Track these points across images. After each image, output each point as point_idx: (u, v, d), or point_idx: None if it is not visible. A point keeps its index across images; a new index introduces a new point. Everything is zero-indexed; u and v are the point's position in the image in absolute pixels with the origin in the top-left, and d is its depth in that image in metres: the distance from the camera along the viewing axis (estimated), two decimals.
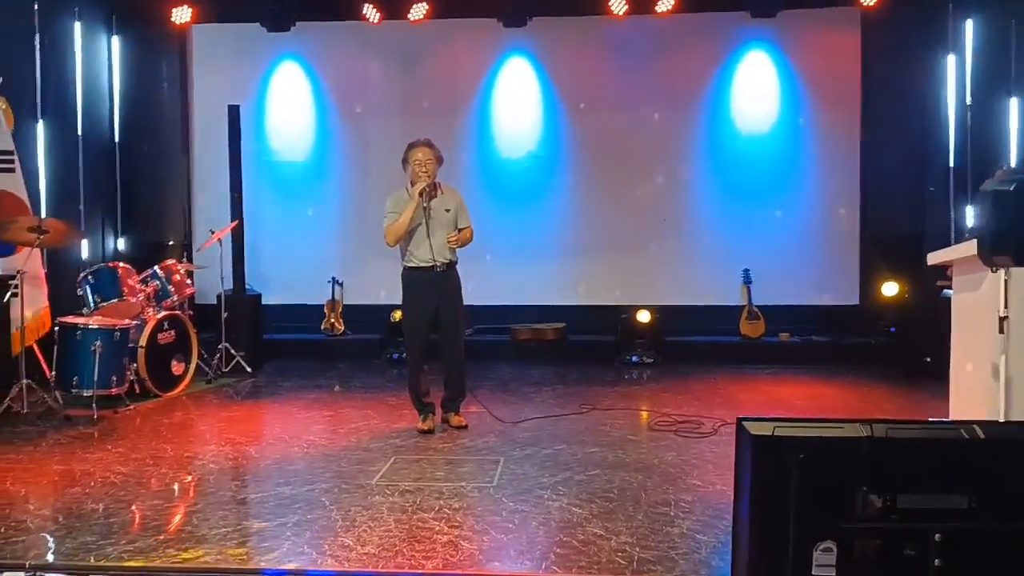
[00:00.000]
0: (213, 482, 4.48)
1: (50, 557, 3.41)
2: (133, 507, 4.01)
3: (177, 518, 3.89)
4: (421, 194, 5.25)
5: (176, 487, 4.36)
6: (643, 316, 8.02)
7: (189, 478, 4.53)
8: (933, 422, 2.68)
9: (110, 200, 8.38)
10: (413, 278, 5.42)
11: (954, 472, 2.41)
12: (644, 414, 6.00)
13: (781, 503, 2.39)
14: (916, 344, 7.07)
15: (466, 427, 5.48)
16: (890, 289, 7.74)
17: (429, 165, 5.31)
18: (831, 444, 2.40)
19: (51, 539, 3.61)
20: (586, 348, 8.22)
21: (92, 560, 3.38)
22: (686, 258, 8.50)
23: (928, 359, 6.68)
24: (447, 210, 5.40)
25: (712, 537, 3.53)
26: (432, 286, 5.36)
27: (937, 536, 2.37)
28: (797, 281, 8.34)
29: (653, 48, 8.43)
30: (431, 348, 5.52)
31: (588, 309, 8.48)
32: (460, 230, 5.45)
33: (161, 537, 3.62)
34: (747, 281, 8.27)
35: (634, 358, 7.89)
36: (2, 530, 3.71)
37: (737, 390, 6.73)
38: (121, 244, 8.44)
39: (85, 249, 7.81)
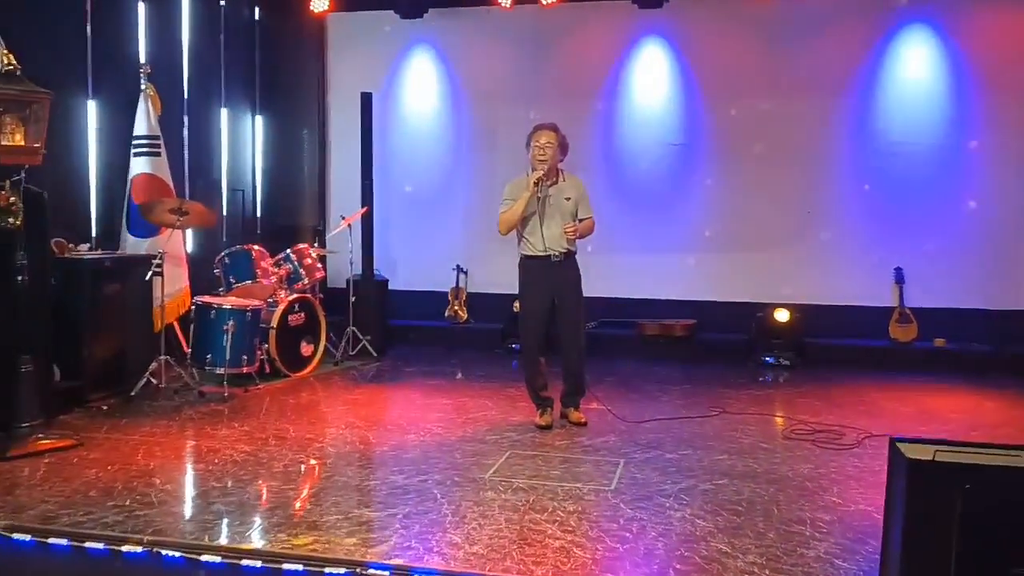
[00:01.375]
0: (330, 466, 4.48)
1: (167, 534, 3.45)
2: (250, 488, 4.05)
3: (290, 502, 3.89)
4: (536, 184, 5.07)
5: (293, 470, 4.37)
6: (781, 315, 7.56)
7: (307, 461, 4.54)
8: None
9: (250, 183, 8.66)
10: (529, 267, 5.26)
11: None
12: (779, 420, 5.60)
13: (941, 540, 2.05)
14: None
15: (585, 424, 5.28)
16: None
17: (548, 150, 5.11)
18: (1004, 474, 2.04)
19: (170, 515, 3.67)
20: (717, 347, 7.83)
21: (206, 539, 3.41)
22: (831, 254, 7.93)
23: None
24: (567, 199, 5.19)
25: (853, 564, 3.17)
26: (548, 276, 5.17)
27: None
28: (956, 282, 7.63)
29: (800, 30, 7.91)
30: (548, 340, 5.34)
31: (721, 305, 8.08)
32: (581, 220, 5.23)
33: (274, 520, 3.62)
34: (899, 280, 7.63)
35: (770, 359, 7.45)
36: (127, 503, 3.81)
37: (883, 398, 6.19)
38: (258, 226, 8.71)
39: (224, 231, 8.11)
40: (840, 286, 7.88)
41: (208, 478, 4.21)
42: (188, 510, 3.78)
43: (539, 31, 8.42)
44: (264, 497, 3.93)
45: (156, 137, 6.65)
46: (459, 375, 7.04)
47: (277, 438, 4.95)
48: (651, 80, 8.27)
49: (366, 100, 7.89)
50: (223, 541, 3.40)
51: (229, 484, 4.10)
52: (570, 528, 3.55)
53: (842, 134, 7.91)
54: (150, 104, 6.63)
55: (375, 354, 7.53)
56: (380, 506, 3.82)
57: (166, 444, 4.81)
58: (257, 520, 3.62)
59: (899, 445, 2.09)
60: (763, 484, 4.17)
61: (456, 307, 8.53)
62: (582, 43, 8.41)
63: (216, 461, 4.49)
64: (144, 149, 6.61)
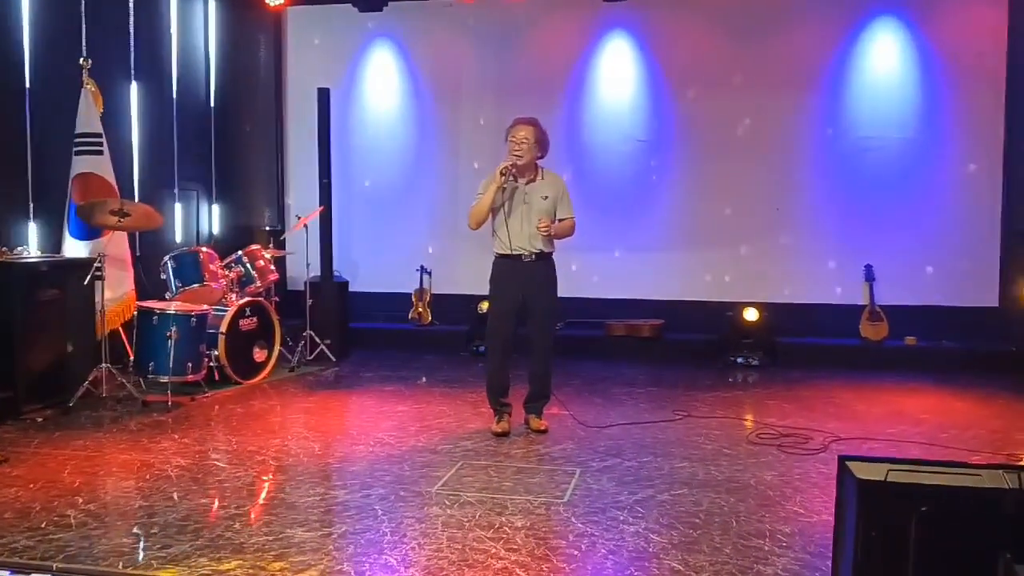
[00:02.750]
0: (269, 482, 4.23)
1: (79, 560, 3.20)
2: (179, 507, 3.79)
3: (219, 522, 3.63)
4: (503, 174, 4.85)
5: (229, 486, 4.12)
6: (750, 314, 7.39)
7: (245, 476, 4.29)
8: None
9: (205, 184, 8.37)
10: (499, 267, 5.05)
11: None
12: (745, 424, 5.41)
13: (895, 568, 1.84)
14: None
15: (546, 431, 5.06)
16: None
17: (524, 145, 4.89)
18: (963, 496, 1.84)
19: (86, 539, 3.41)
20: (686, 347, 7.65)
21: (120, 566, 3.16)
22: (801, 252, 7.78)
23: None
24: (544, 197, 4.97)
25: None
26: (517, 276, 4.95)
27: None
28: (927, 279, 7.50)
29: (767, 23, 7.76)
30: (515, 344, 5.11)
31: (689, 305, 7.90)
32: (560, 220, 5.01)
33: (198, 543, 3.37)
34: (869, 278, 7.49)
35: (739, 360, 7.28)
36: (44, 524, 3.55)
37: (854, 399, 6.03)
38: (214, 228, 8.43)
39: (177, 233, 7.84)
40: (810, 284, 7.74)
41: (135, 497, 3.95)
42: (107, 533, 3.51)
43: (502, 24, 8.20)
44: (192, 517, 3.68)
45: (98, 135, 6.37)
46: (423, 379, 6.81)
47: (218, 451, 4.70)
48: (616, 75, 8.08)
49: (323, 96, 7.63)
50: (138, 568, 3.14)
51: (155, 502, 3.84)
52: (515, 546, 3.33)
53: (811, 129, 7.76)
54: (92, 100, 6.35)
55: (333, 359, 7.28)
56: (316, 525, 3.58)
57: (97, 459, 4.54)
58: (179, 543, 3.37)
59: (848, 464, 1.89)
60: (723, 494, 3.97)
61: (420, 309, 8.30)
62: (546, 37, 8.20)
63: (148, 477, 4.23)
64: (85, 147, 6.33)
